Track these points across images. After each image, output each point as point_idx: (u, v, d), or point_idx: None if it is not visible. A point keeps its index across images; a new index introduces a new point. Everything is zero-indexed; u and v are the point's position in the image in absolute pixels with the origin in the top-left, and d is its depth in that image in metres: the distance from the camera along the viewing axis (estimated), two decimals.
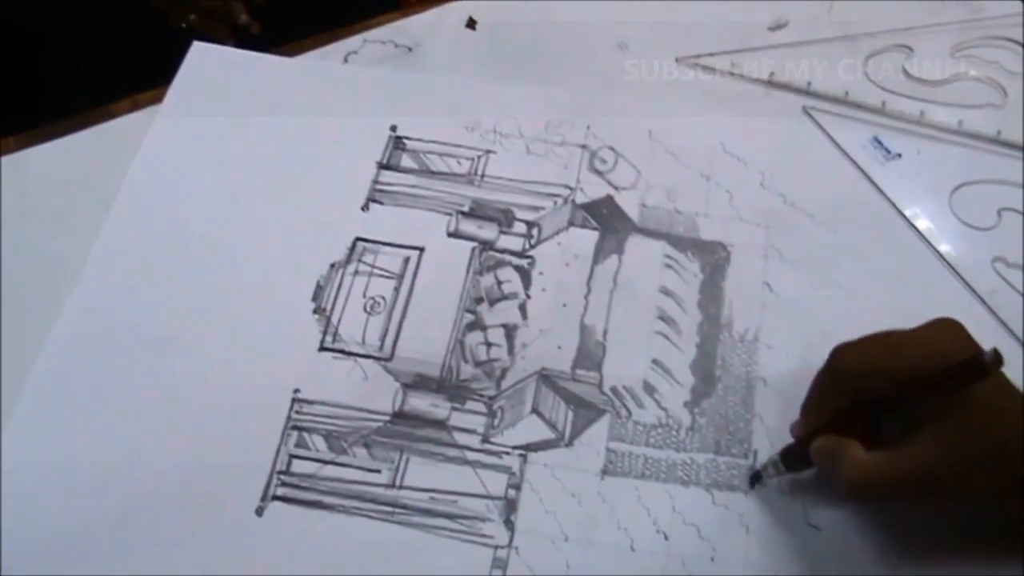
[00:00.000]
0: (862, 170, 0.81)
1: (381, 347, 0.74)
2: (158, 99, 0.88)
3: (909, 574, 0.65)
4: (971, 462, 0.57)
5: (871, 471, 0.60)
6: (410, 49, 0.91)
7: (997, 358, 0.56)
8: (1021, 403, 0.58)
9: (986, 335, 0.62)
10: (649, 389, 0.72)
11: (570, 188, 0.81)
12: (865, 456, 0.60)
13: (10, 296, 0.77)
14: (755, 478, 0.69)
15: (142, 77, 0.90)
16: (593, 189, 0.81)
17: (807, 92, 0.88)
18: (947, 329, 0.61)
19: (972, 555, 0.65)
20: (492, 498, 0.68)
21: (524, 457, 0.70)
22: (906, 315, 0.70)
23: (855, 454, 0.61)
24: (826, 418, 0.65)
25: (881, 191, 0.80)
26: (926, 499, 0.62)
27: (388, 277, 0.77)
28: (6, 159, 0.84)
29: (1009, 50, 0.90)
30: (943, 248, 0.77)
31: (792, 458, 0.67)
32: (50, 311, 0.76)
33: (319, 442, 0.70)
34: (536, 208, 0.80)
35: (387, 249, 0.79)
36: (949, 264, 0.76)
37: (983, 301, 0.74)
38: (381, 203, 0.81)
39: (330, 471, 0.69)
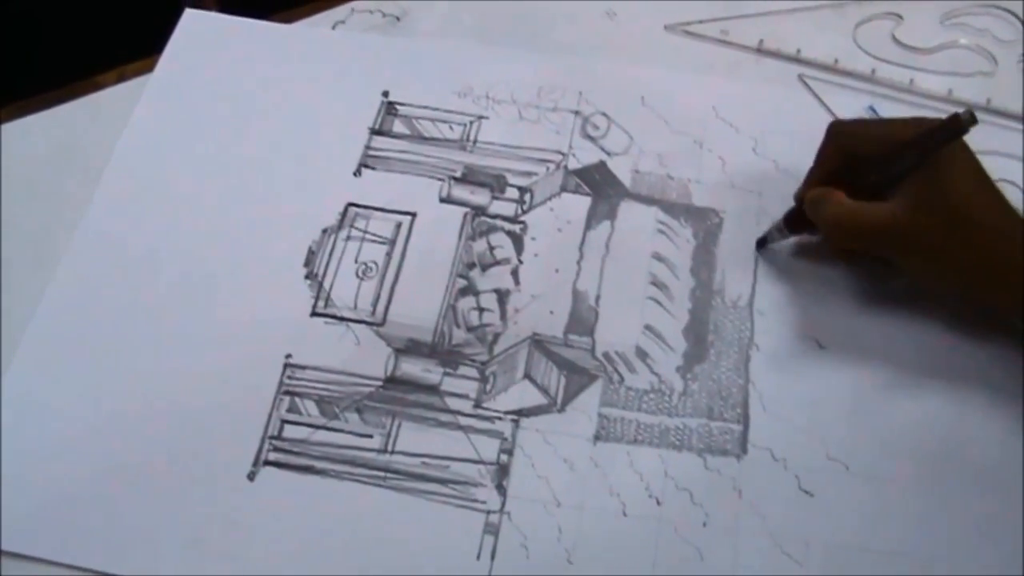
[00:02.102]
0: None
1: (373, 312, 0.74)
2: (146, 69, 0.87)
3: (901, 540, 0.65)
4: (934, 214, 0.65)
5: (851, 211, 0.68)
6: (398, 18, 0.91)
7: (971, 117, 0.64)
8: (984, 177, 0.66)
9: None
10: (641, 354, 0.72)
11: (562, 154, 0.81)
12: (848, 200, 0.68)
13: None
14: (761, 242, 0.76)
15: (129, 47, 0.89)
16: (586, 155, 0.81)
17: (797, 59, 0.87)
18: (933, 118, 0.67)
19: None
20: (484, 463, 0.68)
21: (516, 422, 0.70)
22: (898, 277, 0.71)
23: (839, 198, 0.69)
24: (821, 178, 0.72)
25: None
26: (895, 251, 0.68)
27: (380, 242, 0.77)
28: None
29: (1000, 18, 0.90)
30: None
31: (793, 219, 0.73)
32: (38, 285, 0.75)
33: (311, 407, 0.70)
34: (529, 174, 0.80)
35: (379, 214, 0.78)
36: None
37: None
38: (373, 168, 0.81)
39: (322, 436, 0.69)
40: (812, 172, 0.73)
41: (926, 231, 0.65)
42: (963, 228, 0.64)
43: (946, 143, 0.65)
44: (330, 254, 0.76)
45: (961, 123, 0.64)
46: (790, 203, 0.76)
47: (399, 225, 0.78)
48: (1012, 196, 0.76)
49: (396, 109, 0.84)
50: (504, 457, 0.68)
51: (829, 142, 0.72)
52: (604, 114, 0.83)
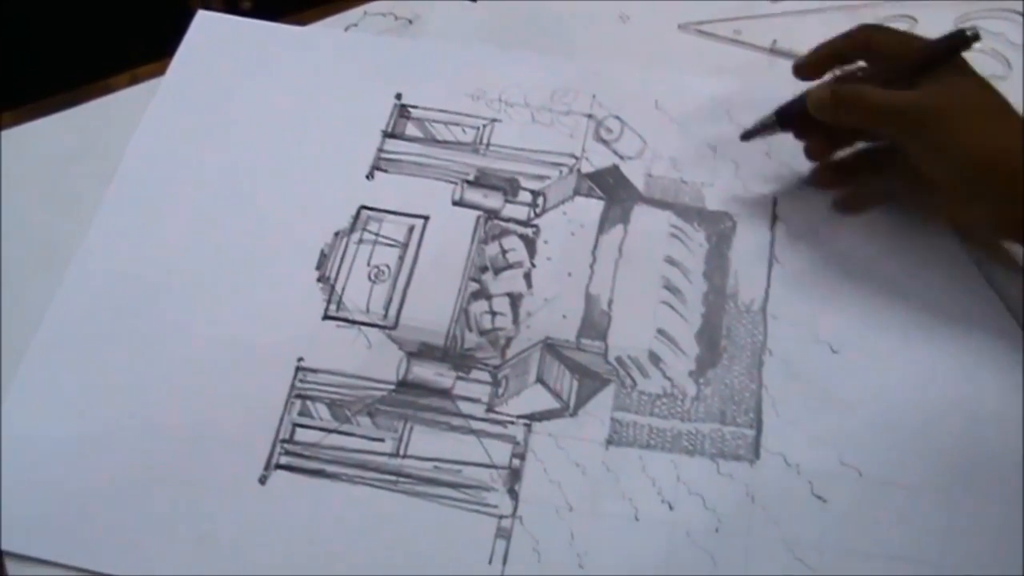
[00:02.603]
0: None
1: (385, 316, 0.74)
2: (159, 71, 0.87)
3: (915, 546, 0.65)
4: (954, 99, 0.68)
5: (885, 92, 0.69)
6: (410, 21, 0.91)
7: (975, 33, 0.69)
8: (990, 86, 0.70)
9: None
10: (654, 359, 0.72)
11: (576, 157, 0.81)
12: (867, 86, 0.71)
13: (8, 272, 0.77)
14: (748, 134, 0.78)
15: (142, 50, 0.90)
16: (599, 158, 0.81)
17: None
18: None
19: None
20: (496, 467, 0.68)
21: (528, 427, 0.70)
22: (911, 282, 0.71)
23: (858, 86, 0.71)
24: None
25: None
26: (915, 131, 0.69)
27: (393, 246, 0.77)
28: (3, 134, 0.84)
29: (1013, 21, 0.89)
30: None
31: (790, 114, 0.75)
32: (49, 286, 0.75)
33: (323, 411, 0.70)
34: (541, 177, 0.80)
35: (392, 218, 0.78)
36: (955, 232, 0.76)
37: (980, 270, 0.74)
38: (386, 172, 0.81)
39: (334, 440, 0.69)
40: (813, 53, 0.76)
41: (945, 113, 0.67)
42: (977, 117, 0.68)
43: (953, 54, 0.70)
44: (342, 257, 0.76)
45: (967, 38, 0.69)
46: (804, 206, 0.76)
47: (411, 228, 0.78)
48: None
49: (409, 112, 0.84)
50: (516, 461, 0.68)
51: (850, 33, 0.74)
52: (617, 117, 0.83)
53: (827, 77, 0.75)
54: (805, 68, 0.75)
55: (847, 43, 0.74)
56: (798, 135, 0.76)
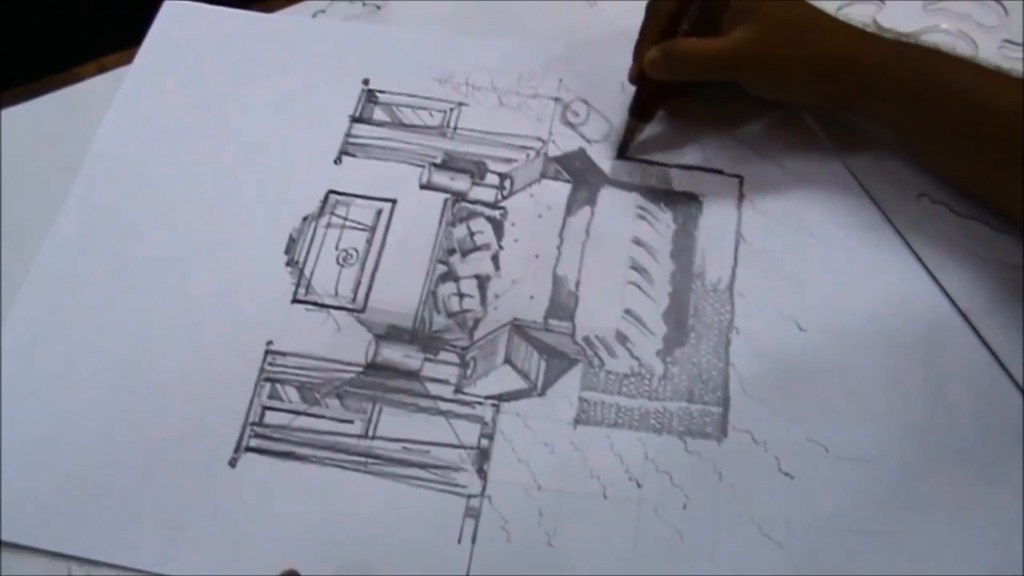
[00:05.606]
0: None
1: (354, 299, 0.74)
2: (127, 60, 0.87)
3: (880, 520, 0.66)
4: (776, 28, 0.73)
5: (706, 44, 0.74)
6: (378, 6, 0.91)
7: None
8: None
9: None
10: (622, 338, 0.72)
11: (542, 141, 0.81)
12: (696, 39, 0.74)
13: None
14: (622, 151, 0.80)
15: (109, 39, 0.89)
16: (565, 142, 0.81)
17: None
18: None
19: None
20: (465, 448, 0.68)
21: (497, 407, 0.70)
22: (879, 263, 0.71)
23: (687, 41, 0.74)
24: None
25: None
26: (753, 69, 0.74)
27: (361, 229, 0.77)
28: None
29: (981, 3, 0.90)
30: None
31: (640, 104, 0.79)
32: (16, 277, 0.76)
33: (292, 393, 0.70)
34: (509, 160, 0.80)
35: (360, 201, 0.78)
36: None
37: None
38: (354, 156, 0.81)
39: (303, 422, 0.70)
40: (639, 44, 0.79)
41: (775, 43, 0.72)
42: (804, 34, 0.73)
43: None
44: (311, 241, 0.77)
45: None
46: (771, 187, 0.77)
47: (379, 212, 0.78)
48: None
49: (376, 97, 0.84)
50: (485, 441, 0.68)
51: (647, 15, 0.78)
52: (584, 101, 0.83)
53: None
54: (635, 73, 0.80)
55: (654, 28, 0.77)
56: (654, 107, 0.80)
